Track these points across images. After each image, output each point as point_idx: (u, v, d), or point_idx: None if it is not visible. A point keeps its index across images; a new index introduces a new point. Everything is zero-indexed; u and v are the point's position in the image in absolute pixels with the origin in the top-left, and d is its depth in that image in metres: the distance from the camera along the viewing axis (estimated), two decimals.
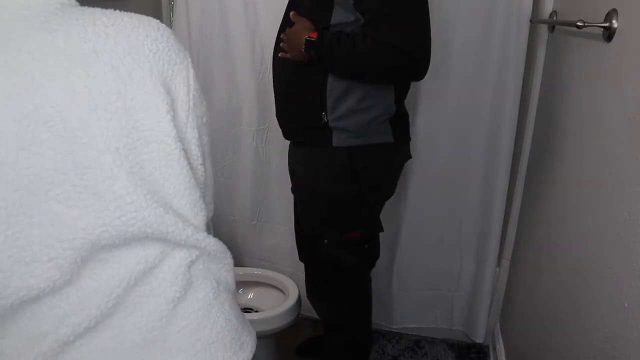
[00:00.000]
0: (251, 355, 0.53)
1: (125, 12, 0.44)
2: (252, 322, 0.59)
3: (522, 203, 1.64)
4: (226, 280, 0.53)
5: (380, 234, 1.42)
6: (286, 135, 1.37)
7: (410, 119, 1.36)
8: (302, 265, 1.52)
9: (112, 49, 0.41)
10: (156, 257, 0.45)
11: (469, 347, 1.86)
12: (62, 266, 0.41)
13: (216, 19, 1.73)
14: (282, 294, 1.64)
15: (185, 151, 0.46)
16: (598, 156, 0.95)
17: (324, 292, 1.47)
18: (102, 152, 0.40)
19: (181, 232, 0.45)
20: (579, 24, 0.98)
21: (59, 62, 0.39)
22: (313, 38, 1.13)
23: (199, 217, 0.48)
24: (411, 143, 1.38)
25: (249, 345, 0.53)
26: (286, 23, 1.25)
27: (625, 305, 0.75)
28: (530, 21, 1.47)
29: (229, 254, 0.53)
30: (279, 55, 1.25)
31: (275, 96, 1.35)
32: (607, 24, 0.91)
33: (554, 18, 1.40)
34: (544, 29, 1.49)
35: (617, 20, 0.89)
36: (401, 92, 1.28)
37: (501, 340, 1.70)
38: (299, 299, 1.58)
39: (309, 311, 1.58)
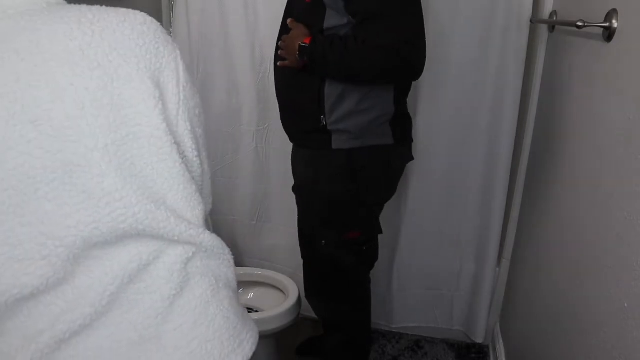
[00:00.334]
0: (251, 353, 0.52)
1: (112, 8, 0.44)
2: None
3: (522, 203, 1.63)
4: (226, 277, 0.52)
5: (380, 234, 1.42)
6: (291, 138, 1.39)
7: None
8: (302, 265, 1.52)
9: (98, 45, 0.41)
10: (150, 254, 0.45)
11: (469, 347, 1.86)
12: (55, 264, 0.41)
13: (216, 19, 1.73)
14: (282, 294, 1.64)
15: (178, 144, 0.45)
16: (598, 156, 0.95)
17: (323, 292, 1.47)
18: (90, 149, 0.40)
19: (174, 228, 0.45)
20: (579, 24, 0.98)
21: (45, 62, 0.39)
22: (306, 44, 1.15)
23: (196, 212, 0.47)
24: (412, 144, 1.38)
25: (249, 343, 0.52)
26: (284, 30, 1.26)
27: (625, 305, 0.74)
28: (530, 21, 1.47)
29: (227, 250, 0.52)
30: (278, 64, 1.26)
31: (278, 102, 1.36)
32: (607, 24, 0.91)
33: (554, 18, 1.40)
34: (544, 29, 1.49)
35: (617, 20, 0.89)
36: (401, 93, 1.28)
37: (501, 340, 1.70)
38: (299, 299, 1.58)
39: (309, 311, 1.58)
